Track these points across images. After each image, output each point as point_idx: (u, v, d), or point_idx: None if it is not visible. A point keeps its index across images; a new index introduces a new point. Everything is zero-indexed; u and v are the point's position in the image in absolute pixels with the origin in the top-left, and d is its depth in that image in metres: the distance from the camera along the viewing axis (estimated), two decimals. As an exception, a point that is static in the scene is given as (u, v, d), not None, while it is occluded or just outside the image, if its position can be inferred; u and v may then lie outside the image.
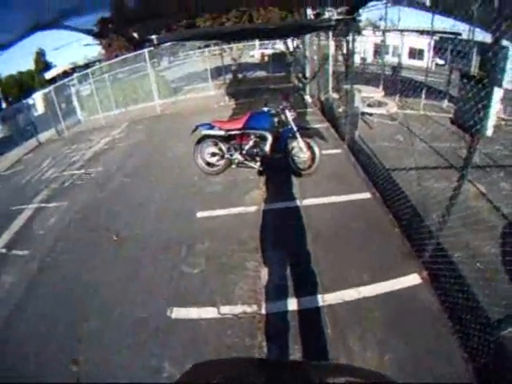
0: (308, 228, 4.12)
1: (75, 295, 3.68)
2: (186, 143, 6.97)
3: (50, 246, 4.66)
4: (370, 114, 8.05)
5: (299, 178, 5.30)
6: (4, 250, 4.86)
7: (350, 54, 6.18)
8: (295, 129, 5.13)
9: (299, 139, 5.13)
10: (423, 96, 9.21)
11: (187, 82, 15.08)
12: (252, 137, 5.28)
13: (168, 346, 2.93)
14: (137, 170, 6.91)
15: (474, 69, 8.89)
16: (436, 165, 5.32)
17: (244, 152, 5.35)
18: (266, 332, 2.95)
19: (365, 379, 0.74)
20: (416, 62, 18.03)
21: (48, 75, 29.25)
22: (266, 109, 5.32)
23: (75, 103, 14.24)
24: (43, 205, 6.22)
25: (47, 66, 33.30)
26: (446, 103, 9.52)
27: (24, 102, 15.47)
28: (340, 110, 7.57)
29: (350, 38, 6.01)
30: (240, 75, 15.32)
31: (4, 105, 26.75)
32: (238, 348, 2.81)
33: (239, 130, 5.32)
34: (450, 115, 8.16)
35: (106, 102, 13.19)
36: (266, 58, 18.58)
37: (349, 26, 5.89)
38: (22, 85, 32.61)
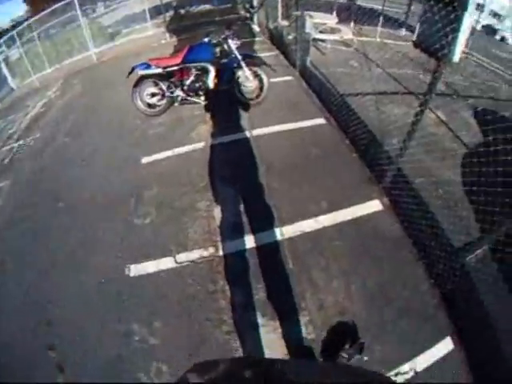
0: (260, 159, 3.90)
1: (30, 277, 3.37)
2: (125, 88, 6.36)
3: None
4: (323, 41, 7.49)
5: (248, 108, 4.93)
6: None
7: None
8: (240, 58, 4.68)
9: (245, 68, 4.71)
10: (380, 24, 8.73)
11: (125, 25, 13.48)
12: (193, 71, 4.80)
13: (132, 307, 2.79)
14: (77, 127, 6.25)
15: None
16: (395, 91, 4.97)
17: (186, 88, 4.91)
18: (226, 275, 2.78)
19: (364, 379, 0.73)
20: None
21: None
22: (206, 39, 4.78)
23: (4, 71, 12.66)
24: None
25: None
26: (403, 32, 9.14)
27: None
28: (290, 37, 6.90)
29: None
30: (182, 11, 13.81)
31: None
32: (201, 296, 2.71)
33: (178, 65, 4.80)
34: (411, 40, 7.76)
35: (37, 62, 11.74)
36: None
37: None
38: None
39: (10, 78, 12.66)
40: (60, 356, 2.60)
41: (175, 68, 4.83)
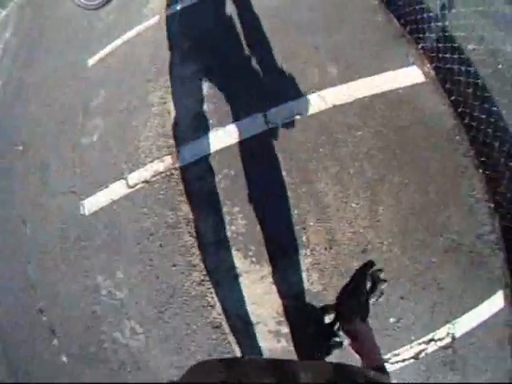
0: (232, 10, 2.48)
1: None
2: None
3: None
4: None
5: None
6: None
7: None
8: None
9: None
10: None
11: None
12: None
13: (93, 254, 2.26)
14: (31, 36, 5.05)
15: None
16: None
17: None
18: (188, 196, 1.96)
19: (364, 379, 0.68)
20: None
21: None
22: None
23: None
24: None
25: None
26: None
27: None
28: None
29: None
30: None
31: None
32: (161, 231, 2.00)
33: None
34: None
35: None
36: None
37: None
38: None
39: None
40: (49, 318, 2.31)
41: None
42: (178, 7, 2.93)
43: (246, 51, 2.34)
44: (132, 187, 2.18)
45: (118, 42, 3.08)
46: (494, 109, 1.90)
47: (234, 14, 2.59)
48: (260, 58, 2.27)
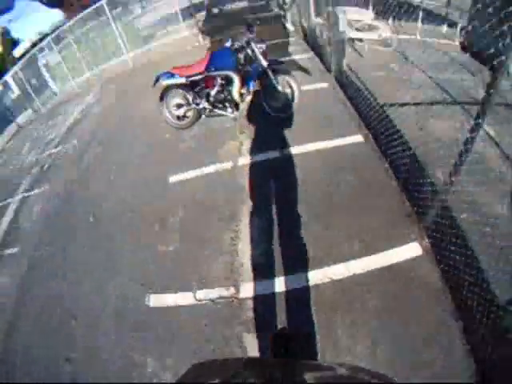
0: (291, 185, 3.56)
1: (59, 293, 3.49)
2: (155, 97, 6.38)
3: (37, 240, 4.49)
4: (360, 40, 6.87)
5: (278, 122, 4.58)
6: None
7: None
8: (265, 64, 4.26)
9: (271, 76, 4.29)
10: (420, 19, 7.63)
11: (159, 27, 13.54)
12: (217, 80, 4.51)
13: (148, 339, 2.77)
14: (110, 138, 6.35)
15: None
16: (439, 100, 4.42)
17: (211, 99, 4.66)
18: (244, 320, 2.62)
19: (364, 379, 0.70)
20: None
21: (17, 52, 27.15)
22: (227, 44, 4.44)
23: (46, 75, 13.24)
24: (27, 194, 6.06)
25: (15, 43, 30.94)
26: (445, 28, 7.93)
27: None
28: (324, 37, 6.42)
29: None
30: (215, 10, 13.62)
31: None
32: (216, 341, 2.57)
33: (201, 73, 4.53)
34: (459, 42, 6.89)
35: (76, 67, 12.11)
36: None
37: None
38: (-6, 70, 30.87)
39: (52, 82, 13.23)
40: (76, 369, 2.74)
41: (199, 77, 4.57)
42: (248, 160, 4.06)
43: (293, 215, 3.26)
44: (198, 301, 2.82)
45: (197, 172, 4.14)
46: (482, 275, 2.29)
47: (287, 181, 3.66)
48: (304, 221, 3.20)
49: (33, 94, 12.11)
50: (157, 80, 4.80)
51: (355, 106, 4.64)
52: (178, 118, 5.02)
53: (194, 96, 4.73)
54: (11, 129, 11.95)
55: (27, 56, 14.42)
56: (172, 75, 4.65)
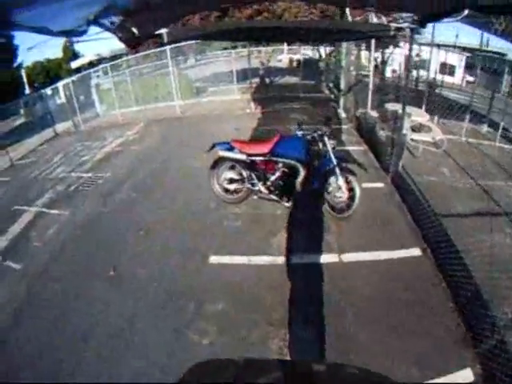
0: (342, 296, 3.22)
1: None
2: (203, 158, 6.28)
3: (43, 265, 4.16)
4: (414, 140, 7.02)
5: (334, 222, 4.33)
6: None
7: (409, 68, 5.23)
8: (335, 163, 4.10)
9: (339, 176, 4.13)
10: (467, 120, 7.95)
11: (212, 83, 14.26)
12: (280, 166, 4.26)
13: None
14: (146, 183, 6.16)
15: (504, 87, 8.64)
16: (488, 209, 4.15)
17: (269, 183, 4.36)
18: None
19: (365, 380, 0.73)
20: (446, 78, 16.78)
21: (74, 64, 28.86)
22: (299, 132, 4.32)
23: (95, 96, 13.79)
24: (45, 210, 5.83)
25: (74, 56, 33.02)
26: (485, 128, 8.29)
27: (47, 89, 15.03)
28: (382, 133, 6.56)
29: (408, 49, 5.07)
30: (267, 80, 14.42)
31: (28, 91, 26.64)
32: None
33: (265, 155, 4.31)
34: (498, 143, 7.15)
35: (125, 98, 12.60)
36: (295, 64, 17.64)
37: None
38: (49, 72, 32.47)
39: (98, 104, 13.70)
40: None
41: (261, 159, 4.36)
42: (300, 260, 3.71)
43: (345, 329, 2.85)
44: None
45: (243, 259, 3.73)
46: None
47: (340, 290, 3.34)
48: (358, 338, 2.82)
49: (77, 109, 12.39)
50: (213, 147, 4.59)
51: (412, 213, 4.43)
52: (227, 191, 4.71)
53: (250, 175, 4.46)
54: (47, 133, 12.25)
55: (83, 72, 15.19)
56: (231, 148, 4.43)
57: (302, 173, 4.14)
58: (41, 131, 12.39)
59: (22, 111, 14.93)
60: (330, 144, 4.14)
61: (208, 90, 13.46)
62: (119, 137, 9.76)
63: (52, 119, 12.84)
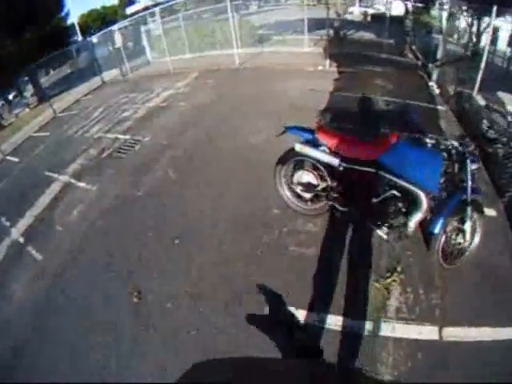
0: None
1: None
2: (268, 124, 4.81)
3: (64, 258, 3.51)
4: None
5: (439, 271, 2.59)
6: (22, 240, 4.11)
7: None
8: (470, 198, 2.37)
9: (468, 215, 2.43)
10: None
11: (276, 31, 12.17)
12: (388, 186, 2.55)
13: None
14: (191, 157, 4.76)
15: None
16: None
17: (366, 204, 2.70)
18: None
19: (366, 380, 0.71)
20: None
21: (129, 10, 27.69)
22: (430, 141, 2.43)
23: (145, 42, 12.61)
24: (73, 181, 5.10)
25: (131, 1, 31.88)
26: None
27: (96, 36, 14.04)
28: (492, 132, 4.16)
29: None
30: (342, 33, 11.97)
31: (80, 38, 26.29)
32: None
33: (369, 164, 2.58)
34: None
35: (178, 45, 11.16)
36: (369, 18, 15.33)
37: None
38: (105, 18, 31.81)
39: (148, 51, 12.48)
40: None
41: (362, 169, 2.63)
42: (397, 331, 2.21)
43: None
44: None
45: (313, 317, 2.33)
46: None
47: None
48: None
49: (124, 57, 11.30)
50: (284, 131, 3.01)
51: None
52: (300, 197, 3.14)
53: (338, 187, 2.82)
54: (95, 82, 11.56)
55: (135, 16, 13.88)
56: (313, 140, 2.80)
57: (424, 208, 2.40)
58: (88, 80, 11.76)
59: (71, 60, 14.19)
60: (470, 169, 2.36)
61: (272, 38, 11.42)
62: (167, 89, 8.45)
63: (100, 67, 12.03)
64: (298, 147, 2.84)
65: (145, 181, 4.43)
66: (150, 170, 4.66)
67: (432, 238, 2.45)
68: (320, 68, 8.09)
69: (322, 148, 2.77)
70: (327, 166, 2.80)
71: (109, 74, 11.89)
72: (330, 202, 2.87)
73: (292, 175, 3.06)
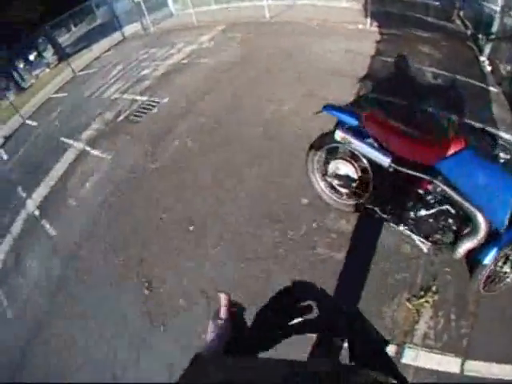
0: None
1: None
2: (302, 91, 4.27)
3: (77, 236, 3.43)
4: None
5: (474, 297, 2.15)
6: (37, 213, 4.10)
7: None
8: None
9: None
10: None
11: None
12: (439, 194, 2.09)
13: None
14: (211, 127, 4.30)
15: None
16: None
17: (411, 214, 2.22)
18: None
19: (367, 380, 0.65)
20: None
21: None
22: (503, 155, 1.90)
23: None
24: (88, 148, 4.92)
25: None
26: None
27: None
28: None
29: None
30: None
31: None
32: None
33: (425, 170, 2.08)
34: None
35: (202, -6, 10.18)
36: None
37: None
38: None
39: (171, 2, 11.57)
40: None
41: (412, 172, 2.12)
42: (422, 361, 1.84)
43: None
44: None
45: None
46: None
47: None
48: None
49: (145, 9, 10.51)
50: (323, 109, 2.49)
51: None
52: (335, 190, 2.68)
53: (380, 180, 2.35)
54: (115, 37, 10.97)
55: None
56: (360, 129, 2.28)
57: (483, 232, 1.93)
58: (110, 35, 11.23)
59: (90, 15, 13.65)
60: None
61: (307, -11, 10.26)
62: (190, 43, 7.78)
63: (120, 22, 11.39)
64: (339, 136, 2.33)
65: (161, 151, 4.08)
66: (167, 138, 4.28)
67: (478, 267, 1.99)
68: (360, 27, 7.14)
69: (369, 141, 2.25)
70: (372, 161, 2.31)
71: (130, 29, 11.21)
72: (370, 206, 2.41)
73: (327, 163, 2.59)
